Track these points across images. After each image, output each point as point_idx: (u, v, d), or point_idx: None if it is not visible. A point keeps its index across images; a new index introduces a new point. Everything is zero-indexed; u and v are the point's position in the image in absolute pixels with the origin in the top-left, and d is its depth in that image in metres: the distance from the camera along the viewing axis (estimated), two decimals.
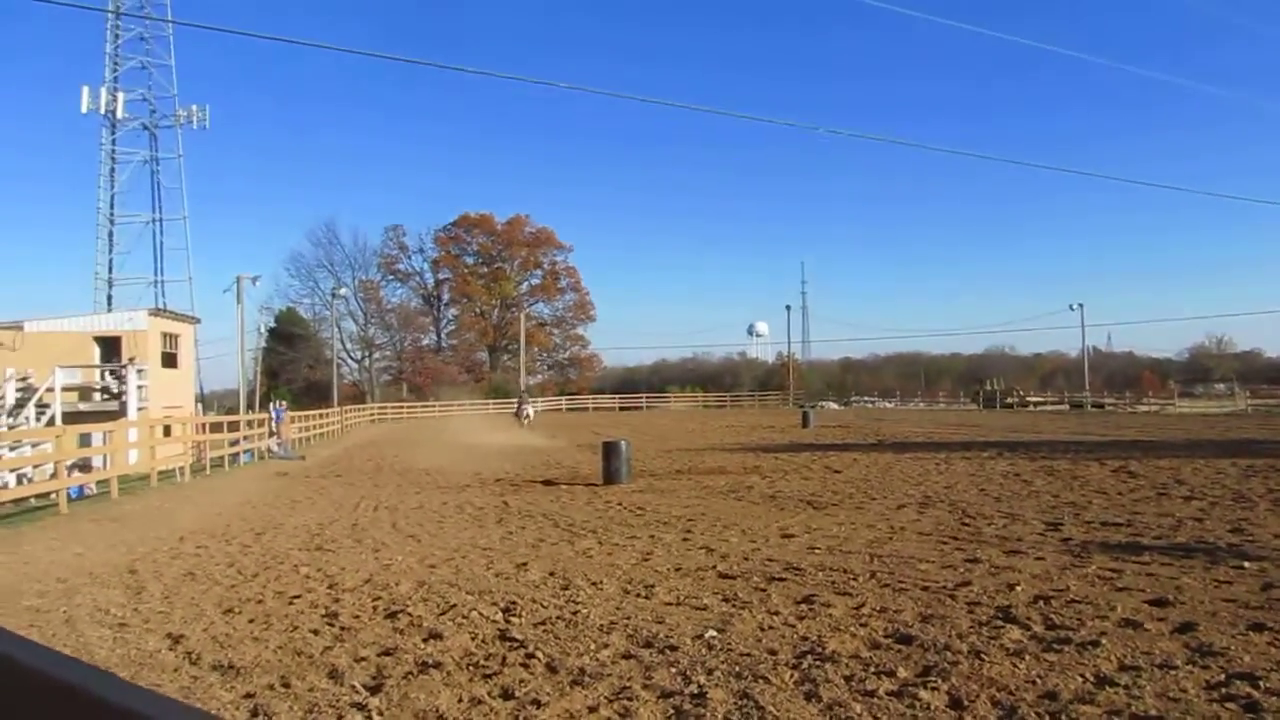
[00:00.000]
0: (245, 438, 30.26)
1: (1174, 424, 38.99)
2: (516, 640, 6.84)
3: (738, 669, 5.90)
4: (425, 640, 6.97)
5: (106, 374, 32.75)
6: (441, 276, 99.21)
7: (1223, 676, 5.37)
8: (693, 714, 5.13)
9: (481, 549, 11.38)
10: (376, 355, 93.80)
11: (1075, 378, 76.48)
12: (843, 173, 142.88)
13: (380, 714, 5.34)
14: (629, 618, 7.42)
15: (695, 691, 5.49)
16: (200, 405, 48.33)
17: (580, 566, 9.91)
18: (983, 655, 5.97)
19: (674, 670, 5.94)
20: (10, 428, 26.84)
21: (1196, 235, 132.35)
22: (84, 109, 64.04)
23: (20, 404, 28.99)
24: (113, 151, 65.62)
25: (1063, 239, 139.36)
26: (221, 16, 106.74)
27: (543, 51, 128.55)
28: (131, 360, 32.48)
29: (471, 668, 6.21)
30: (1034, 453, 23.75)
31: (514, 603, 8.15)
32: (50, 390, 29.20)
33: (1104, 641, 6.14)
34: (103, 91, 64.30)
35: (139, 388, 31.64)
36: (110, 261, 65.35)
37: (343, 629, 7.43)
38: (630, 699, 5.41)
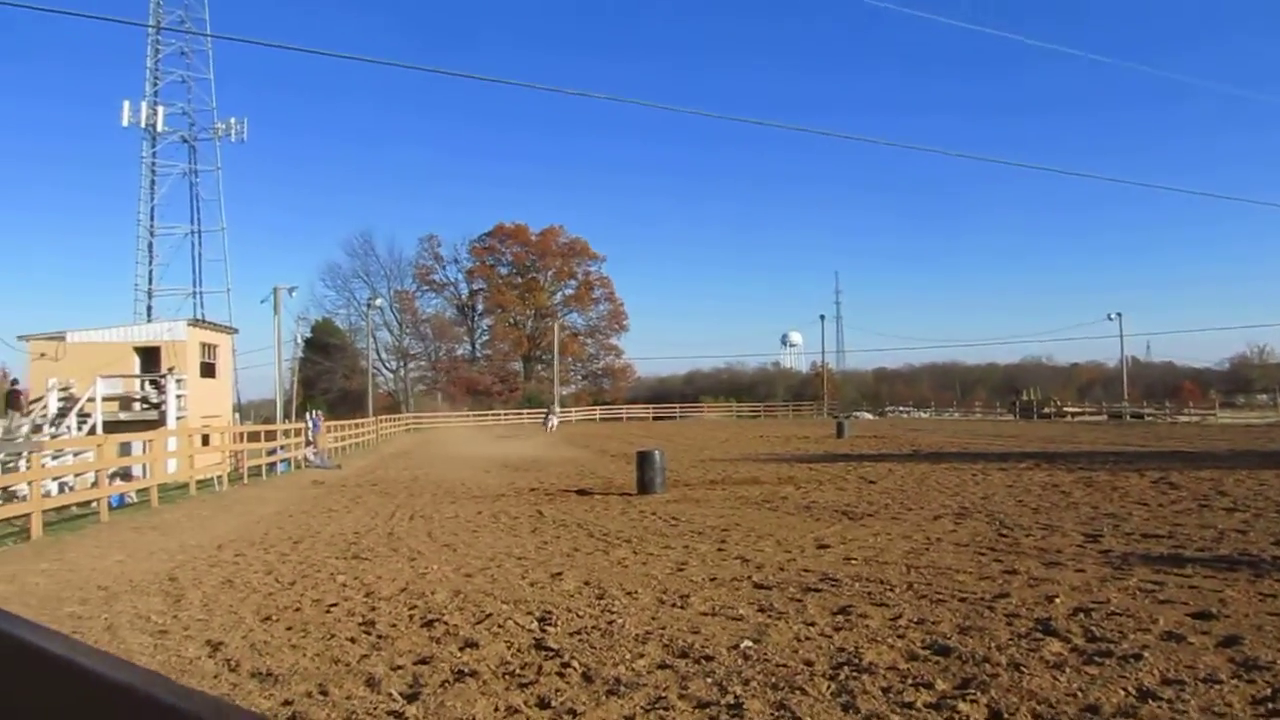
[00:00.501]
0: (282, 447, 30.53)
1: (1215, 435, 38.42)
2: (552, 649, 6.85)
3: (774, 680, 5.87)
4: (461, 649, 6.99)
5: (146, 384, 33.13)
6: (476, 286, 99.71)
7: (1269, 691, 5.28)
8: None
9: (517, 558, 11.40)
10: (411, 365, 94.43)
11: (1114, 388, 75.55)
12: (879, 182, 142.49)
13: None
14: (664, 628, 7.41)
15: (731, 702, 5.47)
16: (238, 415, 48.82)
17: (615, 576, 9.91)
18: (1022, 668, 5.90)
19: (710, 681, 5.92)
20: (53, 437, 27.23)
21: (1238, 244, 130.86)
22: (125, 123, 64.90)
23: (62, 413, 29.41)
24: (153, 164, 66.47)
25: (1101, 249, 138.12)
26: (259, 28, 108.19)
27: (576, 59, 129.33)
28: (171, 370, 32.88)
29: (507, 677, 6.22)
30: (1072, 464, 23.47)
31: (549, 612, 8.16)
32: (91, 400, 29.60)
33: (1146, 655, 6.06)
34: (143, 106, 65.15)
35: (178, 397, 32.02)
36: (150, 273, 66.13)
37: (380, 637, 7.47)
38: (666, 709, 5.40)
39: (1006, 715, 5.08)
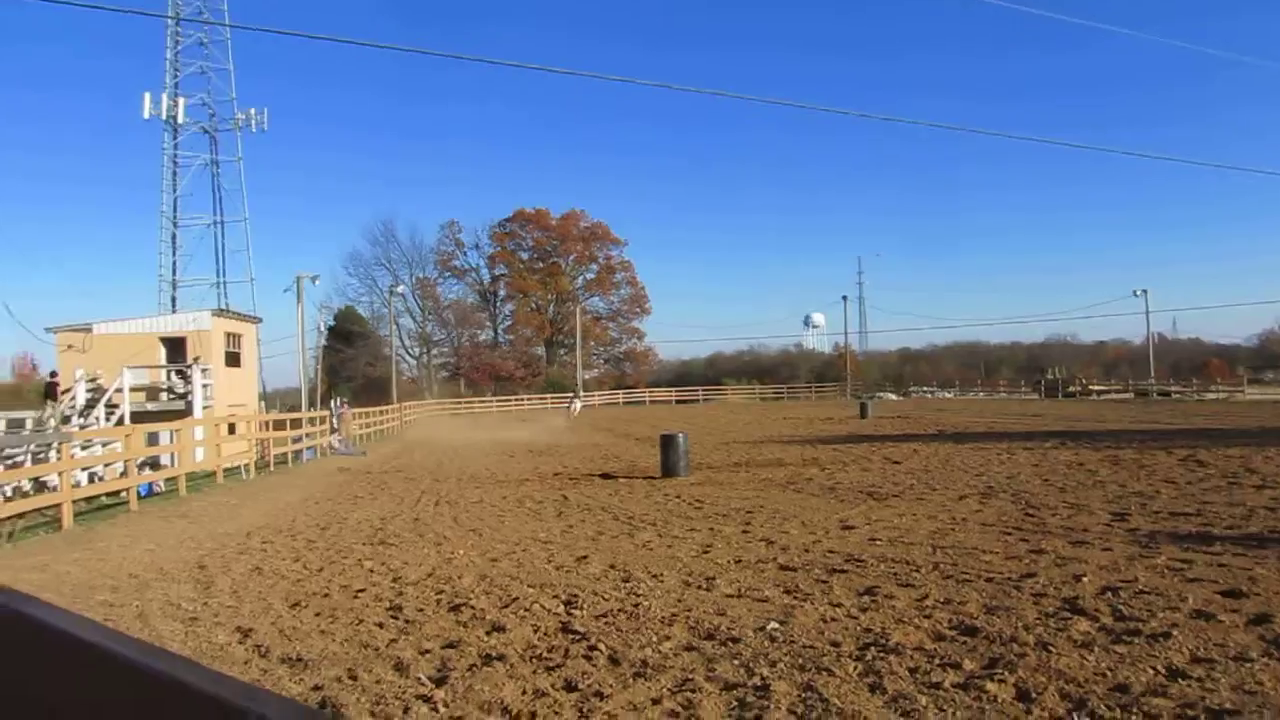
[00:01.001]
0: (307, 435, 30.73)
1: (1243, 411, 38.08)
2: (578, 633, 6.87)
3: (801, 661, 5.88)
4: (488, 633, 7.03)
5: (172, 374, 33.35)
6: (498, 272, 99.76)
7: None
8: (756, 706, 5.11)
9: (542, 542, 11.45)
10: (434, 352, 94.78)
11: (1140, 365, 74.90)
12: (901, 161, 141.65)
13: (446, 706, 5.39)
14: (690, 610, 7.42)
15: (758, 684, 5.48)
16: (263, 403, 49.14)
17: (640, 559, 9.93)
18: (1050, 647, 5.87)
19: (736, 662, 5.92)
20: (82, 427, 27.48)
21: (1264, 219, 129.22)
22: (146, 115, 65.36)
23: (90, 404, 29.67)
24: (174, 156, 66.90)
25: (1126, 224, 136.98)
26: (277, 17, 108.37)
27: (595, 43, 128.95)
28: (196, 360, 33.08)
29: (534, 660, 6.25)
30: (1098, 442, 23.32)
31: (575, 595, 8.19)
32: (119, 390, 29.84)
33: (1175, 633, 6.02)
34: (164, 97, 65.56)
35: (204, 387, 32.21)
36: (174, 264, 66.68)
37: (407, 622, 7.52)
38: (693, 691, 5.41)
39: (1034, 695, 5.06)
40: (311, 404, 47.06)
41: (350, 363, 79.31)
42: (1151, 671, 5.34)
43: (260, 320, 44.57)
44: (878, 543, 10.24)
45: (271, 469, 26.12)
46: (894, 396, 76.79)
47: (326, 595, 8.79)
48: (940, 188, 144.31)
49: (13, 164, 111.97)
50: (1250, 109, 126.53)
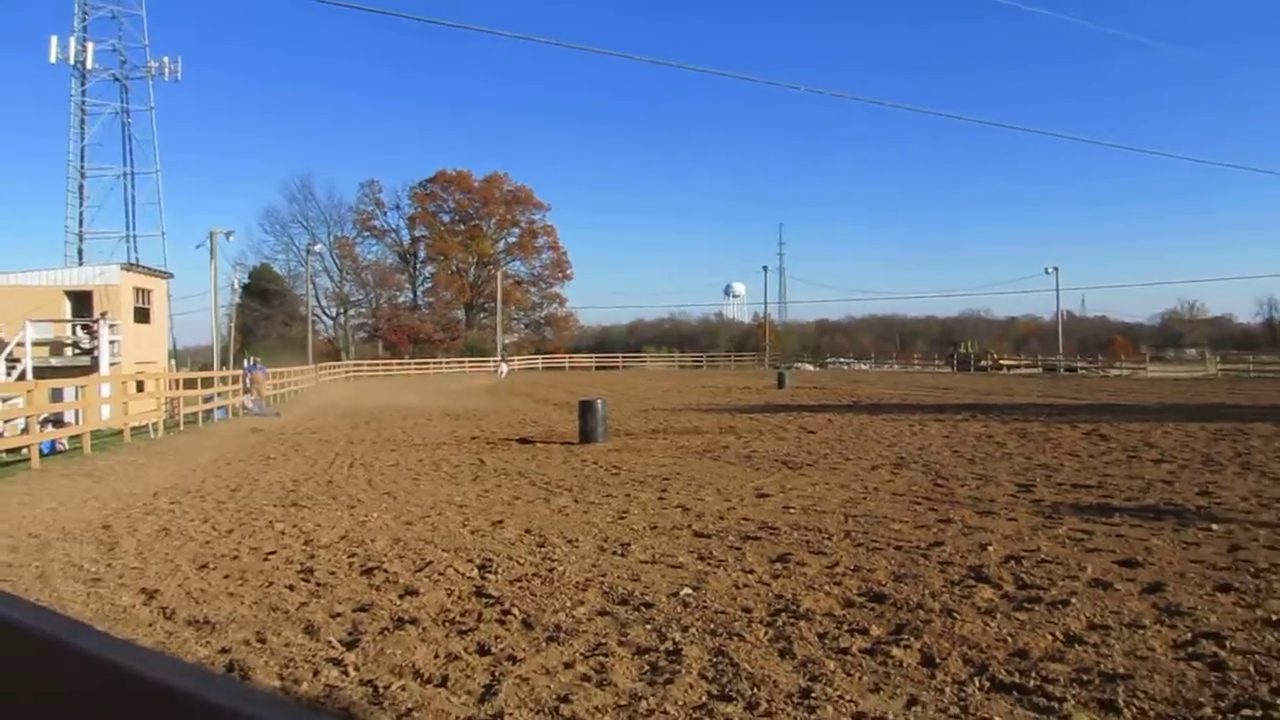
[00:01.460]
0: (219, 394, 30.08)
1: (1145, 388, 39.36)
2: (492, 597, 6.86)
3: (713, 626, 5.94)
4: (401, 596, 6.98)
5: (78, 329, 32.35)
6: (418, 234, 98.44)
7: (1190, 636, 5.45)
8: (668, 670, 5.16)
9: (457, 506, 11.39)
10: (352, 313, 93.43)
11: (1049, 341, 76.87)
12: (824, 134, 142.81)
13: (356, 669, 5.34)
14: (605, 575, 7.46)
15: (670, 648, 5.53)
16: (174, 361, 47.96)
17: (556, 524, 9.94)
18: (955, 614, 6.03)
19: (649, 627, 5.97)
20: None
21: (1170, 201, 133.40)
22: (53, 59, 62.60)
23: None
24: (83, 103, 64.33)
25: (1039, 200, 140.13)
26: None
27: (523, 4, 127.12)
28: (104, 315, 32.10)
29: (447, 624, 6.22)
30: (1007, 415, 23.92)
31: (490, 560, 8.17)
32: (20, 345, 28.84)
33: (1074, 601, 6.22)
34: (71, 41, 62.93)
35: (111, 343, 31.27)
36: (81, 215, 64.32)
37: (318, 585, 7.43)
38: (606, 655, 5.44)
39: (939, 660, 5.19)
40: (224, 363, 46.04)
41: (265, 322, 77.78)
42: (1050, 638, 5.51)
43: (171, 276, 43.49)
44: (791, 511, 10.38)
45: (181, 428, 25.50)
46: (811, 367, 77.71)
47: (236, 557, 8.63)
48: (865, 160, 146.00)
49: None
50: (1160, 91, 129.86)
